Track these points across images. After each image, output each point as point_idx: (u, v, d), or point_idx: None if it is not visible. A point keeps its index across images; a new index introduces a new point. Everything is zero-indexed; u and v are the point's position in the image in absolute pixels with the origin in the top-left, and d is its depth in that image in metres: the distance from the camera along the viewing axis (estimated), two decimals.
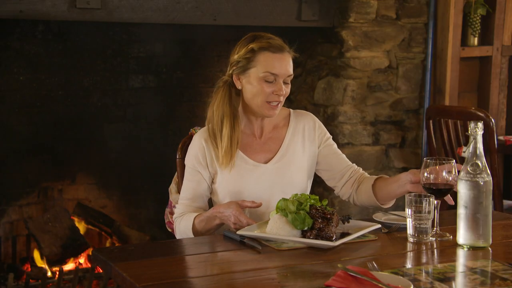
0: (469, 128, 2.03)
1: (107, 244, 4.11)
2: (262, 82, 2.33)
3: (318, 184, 2.77)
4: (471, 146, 2.03)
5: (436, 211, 2.12)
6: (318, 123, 2.52)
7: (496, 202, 3.67)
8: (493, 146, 3.59)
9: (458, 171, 2.08)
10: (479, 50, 4.34)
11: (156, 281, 1.75)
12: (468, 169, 2.02)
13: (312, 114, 2.54)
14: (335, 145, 2.53)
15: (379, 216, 2.33)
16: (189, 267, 1.95)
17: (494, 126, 3.55)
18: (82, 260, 3.93)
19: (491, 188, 2.04)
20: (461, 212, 2.04)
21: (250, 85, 2.36)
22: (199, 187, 2.40)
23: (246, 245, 2.05)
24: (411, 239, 2.08)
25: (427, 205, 2.06)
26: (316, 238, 2.05)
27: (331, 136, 2.54)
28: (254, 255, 1.98)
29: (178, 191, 2.56)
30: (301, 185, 2.44)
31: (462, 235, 2.04)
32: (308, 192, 2.46)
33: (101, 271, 3.62)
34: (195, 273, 1.91)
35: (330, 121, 4.16)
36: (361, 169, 2.51)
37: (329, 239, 2.04)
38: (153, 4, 3.63)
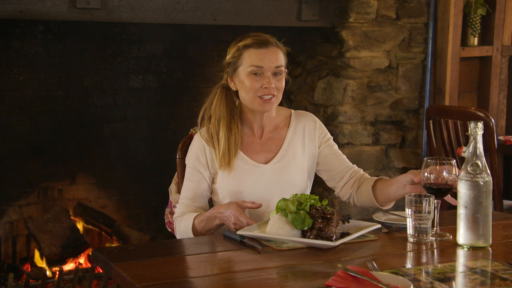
0: (469, 128, 2.03)
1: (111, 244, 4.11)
2: (250, 77, 2.35)
3: (318, 184, 2.77)
4: (471, 146, 2.03)
5: (436, 211, 2.12)
6: (319, 123, 2.52)
7: (496, 202, 3.67)
8: (493, 146, 3.59)
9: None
10: (479, 50, 4.34)
11: (156, 281, 1.75)
12: (468, 169, 2.02)
13: (312, 115, 2.54)
14: (336, 146, 2.53)
15: (379, 216, 2.33)
16: (189, 267, 1.95)
17: (494, 126, 3.55)
18: (82, 260, 3.93)
19: (491, 188, 2.04)
20: (461, 212, 2.04)
21: (241, 83, 2.38)
22: (200, 187, 2.40)
23: (246, 245, 2.05)
24: (411, 239, 2.09)
25: (427, 205, 2.06)
26: (316, 238, 2.05)
27: (332, 137, 2.54)
28: (254, 255, 1.98)
29: (178, 191, 2.56)
30: (301, 185, 2.44)
31: (462, 235, 2.05)
32: (308, 192, 2.46)
33: (101, 271, 3.63)
34: (195, 273, 1.91)
35: (330, 121, 4.16)
36: (361, 170, 2.51)
37: (329, 239, 2.04)
38: (153, 4, 3.64)
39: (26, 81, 3.94)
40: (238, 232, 2.10)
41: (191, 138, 2.56)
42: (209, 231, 2.30)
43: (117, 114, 4.19)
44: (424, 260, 1.98)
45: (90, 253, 3.92)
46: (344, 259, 1.93)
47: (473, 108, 3.93)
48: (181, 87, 4.32)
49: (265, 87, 2.34)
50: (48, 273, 3.75)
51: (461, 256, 1.99)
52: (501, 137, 4.28)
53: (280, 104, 2.50)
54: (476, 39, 4.32)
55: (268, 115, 2.45)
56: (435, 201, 2.11)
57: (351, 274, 1.71)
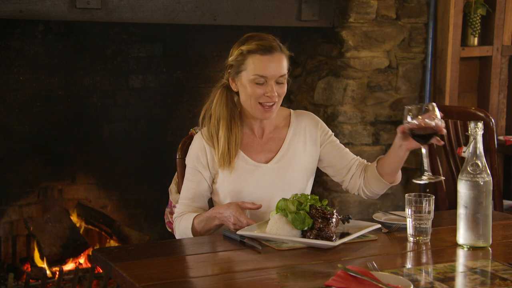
0: (469, 128, 2.03)
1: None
2: (253, 85, 2.33)
3: (318, 184, 2.78)
4: (471, 146, 2.03)
5: (426, 159, 2.17)
6: (319, 122, 2.52)
7: (496, 202, 3.67)
8: (493, 146, 3.58)
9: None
10: (479, 50, 4.34)
11: (156, 281, 1.75)
12: (468, 169, 2.02)
13: (312, 114, 2.54)
14: (338, 141, 2.53)
15: (379, 216, 2.34)
16: (189, 267, 1.95)
17: (494, 126, 3.54)
18: (82, 260, 3.93)
19: (491, 188, 2.04)
20: (461, 212, 2.04)
21: (243, 88, 2.36)
22: (200, 187, 2.40)
23: (246, 245, 2.05)
24: (411, 239, 2.09)
25: (427, 205, 2.06)
26: (316, 238, 2.05)
27: (333, 133, 2.54)
28: (254, 255, 1.98)
29: (178, 191, 2.56)
30: (302, 185, 2.44)
31: (462, 235, 2.05)
32: (308, 192, 2.46)
33: (101, 271, 3.63)
34: (195, 273, 1.91)
35: (330, 121, 4.16)
36: (365, 160, 2.52)
37: (329, 239, 2.04)
38: (153, 4, 3.64)
39: (26, 81, 3.94)
40: (238, 232, 2.10)
41: (191, 138, 2.56)
42: (208, 231, 2.30)
43: (117, 114, 4.19)
44: (424, 260, 1.98)
45: (90, 253, 3.92)
46: (344, 259, 1.93)
47: (473, 108, 3.93)
48: (181, 87, 4.32)
49: (267, 96, 2.33)
50: (48, 273, 3.75)
51: (461, 256, 1.99)
52: (501, 137, 4.28)
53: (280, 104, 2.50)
54: (476, 39, 4.32)
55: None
56: (423, 149, 2.14)
57: (351, 274, 1.71)
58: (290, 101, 4.39)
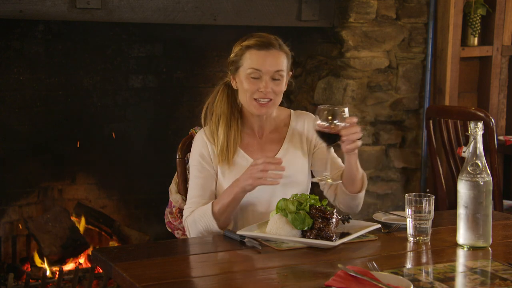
0: (469, 128, 2.03)
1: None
2: (249, 79, 2.34)
3: (318, 184, 2.77)
4: (471, 146, 2.04)
5: (328, 161, 2.24)
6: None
7: (496, 202, 3.67)
8: (493, 146, 3.59)
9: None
10: (479, 50, 4.34)
11: (156, 281, 1.75)
12: (468, 169, 2.02)
13: (312, 114, 2.54)
14: (331, 148, 2.51)
15: (379, 216, 2.33)
16: (189, 267, 1.95)
17: (494, 126, 3.55)
18: (82, 260, 3.93)
19: (491, 188, 2.04)
20: (461, 212, 2.04)
21: (240, 84, 2.38)
22: (207, 182, 2.39)
23: (246, 245, 2.05)
24: (411, 239, 2.09)
25: (427, 205, 2.06)
26: (316, 238, 2.05)
27: None
28: (254, 255, 1.98)
29: (178, 191, 2.56)
30: (302, 184, 2.44)
31: (462, 235, 2.05)
32: (308, 192, 2.46)
33: (101, 271, 3.62)
34: (195, 273, 1.91)
35: None
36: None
37: (329, 239, 2.04)
38: (153, 4, 3.64)
39: (26, 81, 3.94)
40: (238, 232, 2.10)
41: (191, 138, 2.56)
42: (229, 207, 2.26)
43: (117, 114, 4.19)
44: (424, 260, 1.98)
45: (90, 253, 3.92)
46: (344, 259, 1.93)
47: (473, 108, 3.93)
48: (181, 87, 4.32)
49: (261, 91, 2.33)
50: (48, 273, 3.75)
51: (461, 256, 1.99)
52: (501, 137, 4.28)
53: (280, 104, 2.50)
54: (476, 39, 4.32)
55: (268, 116, 2.45)
56: (327, 146, 2.18)
57: (351, 274, 1.71)
58: (290, 101, 4.39)
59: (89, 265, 3.88)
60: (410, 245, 2.07)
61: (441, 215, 2.48)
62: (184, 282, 1.78)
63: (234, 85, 2.42)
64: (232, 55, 2.41)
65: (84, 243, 3.92)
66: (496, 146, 3.62)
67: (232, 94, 2.43)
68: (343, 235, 2.10)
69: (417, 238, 2.08)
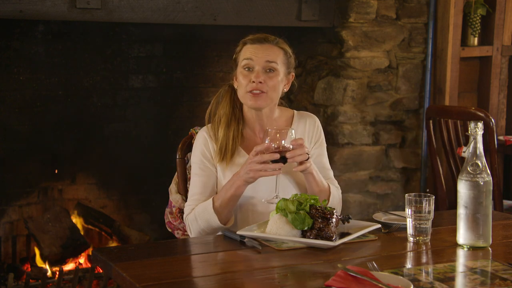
0: (469, 128, 2.03)
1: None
2: (243, 72, 2.38)
3: None
4: (471, 146, 2.03)
5: (276, 182, 2.22)
6: (319, 127, 2.52)
7: (496, 202, 3.67)
8: (493, 146, 3.59)
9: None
10: (479, 50, 4.34)
11: (156, 281, 1.75)
12: (468, 169, 2.02)
13: (315, 117, 2.54)
14: (323, 156, 2.51)
15: (379, 216, 2.33)
16: (189, 267, 1.95)
17: (494, 126, 3.55)
18: (82, 260, 3.93)
19: (491, 188, 2.04)
20: (461, 212, 2.04)
21: (237, 80, 2.41)
22: (209, 180, 2.39)
23: (246, 245, 2.05)
24: (411, 239, 2.09)
25: (427, 205, 2.06)
26: (316, 238, 2.05)
27: (325, 145, 2.53)
28: (254, 255, 1.98)
29: (178, 191, 2.56)
30: (303, 184, 2.43)
31: (462, 235, 2.05)
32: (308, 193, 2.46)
33: (101, 271, 3.62)
34: (195, 273, 1.91)
35: (330, 121, 4.16)
36: (332, 186, 2.46)
37: (329, 239, 2.04)
38: (153, 4, 3.63)
39: (26, 81, 3.93)
40: (238, 232, 2.10)
41: (191, 138, 2.57)
42: (230, 202, 2.26)
43: (117, 114, 4.19)
44: (424, 260, 1.98)
45: (90, 253, 3.92)
46: (344, 259, 1.93)
47: (473, 108, 3.93)
48: (181, 87, 4.32)
49: (253, 81, 2.33)
50: (48, 273, 3.75)
51: (461, 256, 1.99)
52: (501, 137, 4.28)
53: (283, 105, 2.50)
54: (476, 39, 4.32)
55: (268, 115, 2.44)
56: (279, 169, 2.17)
57: (351, 274, 1.71)
58: (290, 101, 4.39)
59: (89, 265, 3.88)
60: (410, 245, 2.07)
61: (441, 215, 2.48)
62: (184, 282, 1.78)
63: (235, 84, 2.43)
64: (234, 54, 2.45)
65: (84, 243, 3.92)
66: (496, 146, 3.62)
67: (235, 95, 2.44)
68: (343, 235, 2.10)
69: (417, 238, 2.08)
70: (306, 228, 2.07)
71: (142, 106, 4.24)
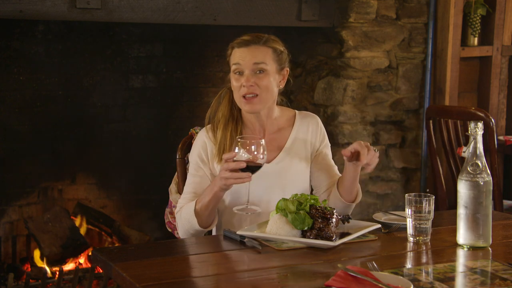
0: (469, 128, 2.03)
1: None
2: (234, 77, 2.37)
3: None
4: (471, 146, 2.04)
5: (248, 190, 2.20)
6: (322, 127, 2.52)
7: (496, 202, 3.67)
8: (493, 146, 3.59)
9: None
10: (479, 50, 4.34)
11: (156, 281, 1.75)
12: (468, 169, 2.02)
13: (317, 117, 2.54)
14: (330, 155, 2.51)
15: (379, 216, 2.33)
16: (189, 267, 1.95)
17: (494, 126, 3.55)
18: (82, 260, 3.93)
19: (491, 188, 2.04)
20: (461, 212, 2.04)
21: (231, 83, 2.40)
22: (202, 182, 2.39)
23: (246, 245, 2.05)
24: (411, 239, 2.09)
25: (427, 205, 2.06)
26: (316, 238, 2.05)
27: (330, 145, 2.53)
28: (254, 255, 1.98)
29: (178, 191, 2.56)
30: (303, 186, 2.43)
31: (462, 235, 2.05)
32: (309, 193, 2.46)
33: (101, 271, 3.62)
34: (195, 273, 1.91)
35: (330, 121, 4.16)
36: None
37: (329, 239, 2.04)
38: (153, 4, 3.63)
39: (26, 81, 3.94)
40: (238, 232, 2.10)
41: (191, 138, 2.57)
42: (208, 206, 2.25)
43: (117, 114, 4.19)
44: (424, 260, 1.98)
45: (90, 253, 3.92)
46: (344, 259, 1.93)
47: (473, 108, 3.93)
48: (181, 87, 4.32)
49: (244, 86, 2.33)
50: (48, 273, 3.75)
51: (461, 256, 1.99)
52: (501, 137, 4.28)
53: (284, 104, 2.50)
54: (476, 39, 4.32)
55: (267, 116, 2.44)
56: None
57: (351, 274, 1.71)
58: (290, 101, 4.39)
59: (89, 265, 3.87)
60: (410, 245, 2.07)
61: (441, 215, 2.48)
62: (184, 282, 1.78)
63: (231, 85, 2.43)
64: (226, 57, 2.44)
65: (84, 243, 3.92)
66: (496, 146, 3.62)
67: (234, 97, 2.43)
68: (343, 235, 2.10)
69: (417, 238, 2.08)
70: (306, 228, 2.07)
71: (142, 106, 4.23)
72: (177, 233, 2.58)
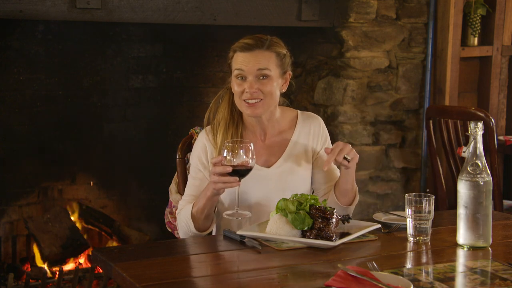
0: (469, 128, 2.03)
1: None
2: (236, 81, 2.34)
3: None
4: (471, 146, 2.04)
5: (237, 194, 2.16)
6: (324, 130, 2.50)
7: (496, 202, 3.67)
8: (493, 146, 3.59)
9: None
10: (479, 50, 4.34)
11: (156, 281, 1.75)
12: (468, 169, 2.02)
13: (320, 118, 2.52)
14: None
15: (379, 216, 2.33)
16: (189, 267, 1.95)
17: (494, 126, 3.55)
18: (82, 260, 3.94)
19: (491, 188, 2.04)
20: (461, 212, 2.04)
21: (232, 87, 2.38)
22: (201, 185, 2.38)
23: (246, 245, 2.05)
24: (411, 239, 2.09)
25: (427, 205, 2.06)
26: (316, 238, 2.05)
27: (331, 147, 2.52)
28: (254, 255, 1.98)
29: (178, 191, 2.56)
30: (304, 190, 2.40)
31: (462, 235, 2.05)
32: None
33: (101, 271, 3.63)
34: (195, 273, 1.91)
35: (330, 121, 4.16)
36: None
37: (329, 239, 2.04)
38: (153, 4, 3.64)
39: (26, 81, 3.94)
40: (238, 232, 2.10)
41: (191, 138, 2.57)
42: (204, 209, 2.24)
43: (117, 114, 4.19)
44: (424, 260, 1.98)
45: (90, 253, 3.92)
46: (344, 259, 1.93)
47: (473, 108, 3.93)
48: (181, 87, 4.32)
49: (247, 92, 2.31)
50: (48, 273, 3.75)
51: (461, 256, 1.99)
52: (501, 137, 4.28)
53: (286, 105, 2.48)
54: (476, 39, 4.32)
55: (269, 119, 2.42)
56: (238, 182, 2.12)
57: (351, 274, 1.71)
58: (290, 101, 4.39)
59: (89, 265, 3.88)
60: (410, 245, 2.07)
61: (441, 215, 2.48)
62: (184, 282, 1.78)
63: (232, 88, 2.40)
64: (228, 59, 2.41)
65: (84, 243, 3.92)
66: (496, 146, 3.62)
67: (233, 99, 2.41)
68: (343, 235, 2.10)
69: (417, 238, 2.08)
70: (306, 228, 2.07)
71: (142, 106, 4.23)
72: (177, 233, 2.58)
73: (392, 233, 2.18)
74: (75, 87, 4.06)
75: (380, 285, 1.66)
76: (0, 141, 3.91)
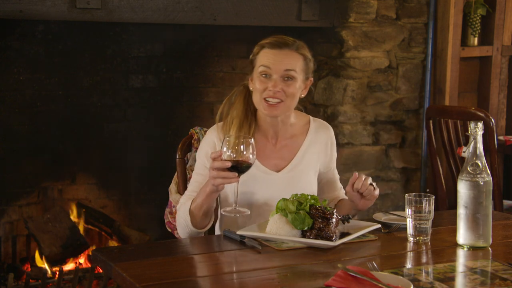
0: (469, 128, 2.04)
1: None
2: (259, 78, 2.31)
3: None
4: (471, 146, 2.04)
5: (236, 191, 2.12)
6: (333, 142, 2.49)
7: (496, 202, 3.67)
8: (493, 146, 3.59)
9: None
10: (479, 50, 4.34)
11: (156, 281, 1.75)
12: (468, 169, 2.02)
13: (331, 127, 2.51)
14: (335, 168, 2.51)
15: (379, 216, 2.33)
16: (189, 267, 1.95)
17: (494, 126, 3.55)
18: (82, 260, 3.93)
19: (491, 188, 2.04)
20: (461, 212, 2.04)
21: (253, 84, 2.34)
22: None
23: (246, 245, 2.05)
24: (411, 239, 2.09)
25: (427, 205, 2.06)
26: (316, 238, 2.05)
27: (336, 156, 2.51)
28: (254, 255, 1.98)
29: (178, 191, 2.56)
30: (305, 186, 2.40)
31: (462, 235, 2.05)
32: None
33: (101, 271, 3.62)
34: (195, 273, 1.91)
35: (330, 121, 4.15)
36: (342, 194, 2.49)
37: (329, 239, 2.04)
38: (153, 4, 3.63)
39: (26, 81, 3.93)
40: (238, 232, 2.10)
41: (191, 138, 2.56)
42: (202, 207, 2.22)
43: (117, 114, 4.19)
44: (424, 260, 1.98)
45: (90, 253, 3.92)
46: (344, 259, 1.93)
47: (473, 108, 3.93)
48: (181, 87, 4.31)
49: (270, 90, 2.28)
50: (48, 273, 3.75)
51: (461, 256, 1.99)
52: (501, 137, 4.28)
53: (298, 109, 2.47)
54: (476, 39, 4.32)
55: (283, 121, 2.40)
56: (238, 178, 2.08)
57: (351, 274, 1.71)
58: None
59: (89, 265, 3.88)
60: (410, 245, 2.07)
61: (441, 215, 2.48)
62: (184, 282, 1.78)
63: (251, 86, 2.37)
64: (251, 55, 2.38)
65: (84, 243, 3.92)
66: (496, 146, 3.62)
67: (249, 97, 2.38)
68: (343, 235, 2.10)
69: (417, 238, 2.08)
70: (306, 228, 2.07)
71: (142, 106, 4.23)
72: (177, 233, 2.58)
73: (392, 233, 2.18)
74: (75, 87, 4.06)
75: (380, 285, 1.66)
76: (0, 141, 3.91)
